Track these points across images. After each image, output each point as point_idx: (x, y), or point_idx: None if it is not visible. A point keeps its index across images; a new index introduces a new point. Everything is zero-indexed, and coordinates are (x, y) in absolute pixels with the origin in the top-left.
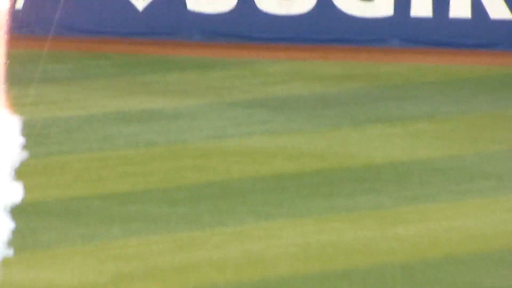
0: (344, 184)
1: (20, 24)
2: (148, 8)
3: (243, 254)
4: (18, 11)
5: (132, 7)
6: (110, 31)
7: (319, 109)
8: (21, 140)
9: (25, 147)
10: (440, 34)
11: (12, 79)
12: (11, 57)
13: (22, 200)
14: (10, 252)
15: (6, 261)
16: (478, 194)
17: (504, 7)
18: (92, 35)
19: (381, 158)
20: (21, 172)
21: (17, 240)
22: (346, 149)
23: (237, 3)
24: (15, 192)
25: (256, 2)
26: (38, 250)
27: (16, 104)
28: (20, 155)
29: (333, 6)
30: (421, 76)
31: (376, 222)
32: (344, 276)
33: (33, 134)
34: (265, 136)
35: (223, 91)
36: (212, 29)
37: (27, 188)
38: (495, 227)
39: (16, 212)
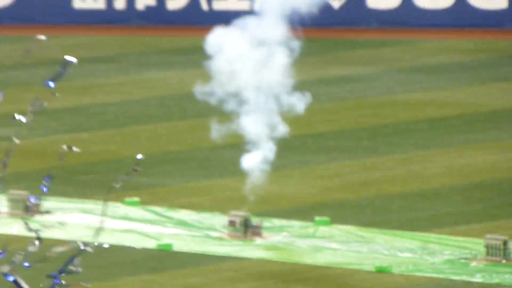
0: (476, 124)
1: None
2: (342, 6)
3: (408, 173)
4: None
5: (330, 5)
6: (313, 23)
7: (457, 72)
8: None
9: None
10: None
11: None
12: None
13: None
14: (261, 172)
15: (259, 178)
16: None
17: None
18: (306, 26)
19: (502, 105)
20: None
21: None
22: (478, 99)
23: (401, 2)
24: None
25: (414, 1)
26: (270, 171)
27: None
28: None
29: (468, 4)
30: None
31: (498, 150)
32: (478, 188)
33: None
34: (421, 92)
35: (391, 62)
36: (383, 19)
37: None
38: None
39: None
